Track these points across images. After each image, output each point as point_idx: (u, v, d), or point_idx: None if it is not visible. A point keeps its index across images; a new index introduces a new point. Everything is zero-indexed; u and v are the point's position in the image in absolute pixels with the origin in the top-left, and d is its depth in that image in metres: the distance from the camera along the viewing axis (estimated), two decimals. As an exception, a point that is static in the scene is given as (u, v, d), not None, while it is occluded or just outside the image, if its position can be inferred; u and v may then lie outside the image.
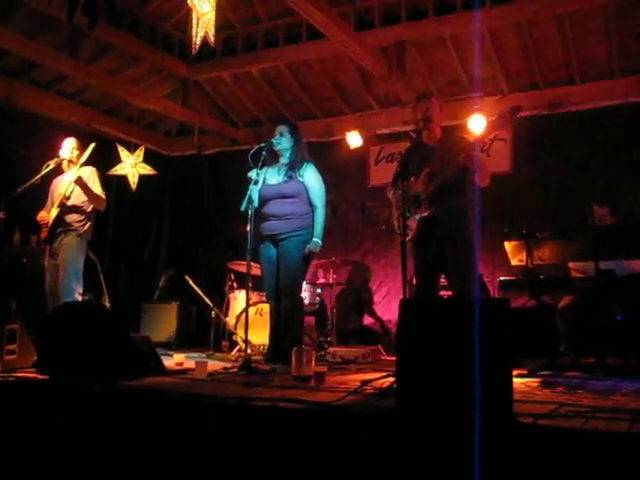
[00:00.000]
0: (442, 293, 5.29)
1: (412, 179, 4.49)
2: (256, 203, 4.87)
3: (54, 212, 5.55)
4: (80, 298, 5.47)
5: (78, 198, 5.62)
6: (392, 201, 4.65)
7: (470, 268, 4.47)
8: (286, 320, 4.94)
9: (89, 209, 5.68)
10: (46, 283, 5.60)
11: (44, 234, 5.60)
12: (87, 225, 5.67)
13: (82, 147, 5.71)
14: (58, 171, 5.76)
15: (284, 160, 5.16)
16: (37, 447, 3.18)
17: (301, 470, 2.55)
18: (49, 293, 5.54)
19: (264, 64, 7.70)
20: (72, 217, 5.61)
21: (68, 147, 5.71)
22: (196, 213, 9.08)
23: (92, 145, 5.59)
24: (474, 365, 2.32)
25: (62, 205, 5.56)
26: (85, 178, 5.56)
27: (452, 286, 4.54)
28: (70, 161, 5.65)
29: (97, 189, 5.64)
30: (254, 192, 4.88)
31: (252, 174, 4.94)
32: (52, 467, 3.12)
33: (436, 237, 4.45)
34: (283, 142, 5.11)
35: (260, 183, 5.01)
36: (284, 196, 5.02)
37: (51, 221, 5.55)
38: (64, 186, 5.60)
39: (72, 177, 5.52)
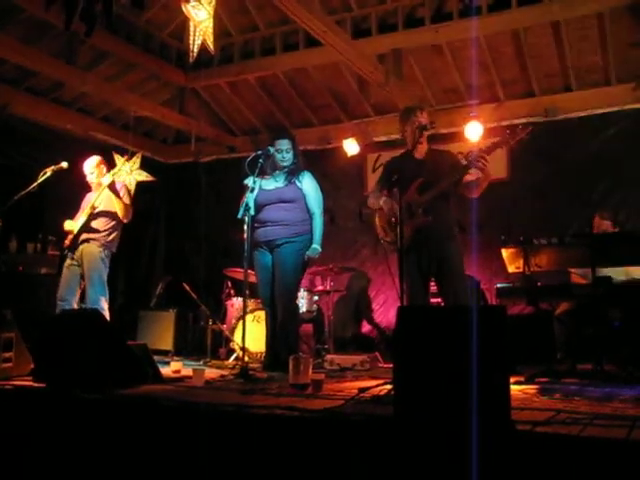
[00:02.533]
0: (433, 300, 5.29)
1: (395, 190, 4.50)
2: (252, 211, 4.86)
3: (81, 220, 5.63)
4: (106, 306, 5.50)
5: (106, 207, 5.68)
6: (375, 211, 4.68)
7: (462, 274, 4.55)
8: (282, 327, 4.93)
9: (116, 217, 5.71)
10: (59, 288, 5.61)
11: (68, 242, 5.62)
12: (112, 235, 5.71)
13: (104, 162, 5.82)
14: (87, 189, 5.87)
15: (282, 171, 5.17)
16: (33, 455, 3.17)
17: (298, 478, 2.54)
18: (60, 299, 5.54)
19: (261, 72, 7.72)
20: (98, 223, 5.66)
21: (91, 167, 5.76)
22: (193, 220, 9.08)
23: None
24: (471, 372, 2.31)
25: (90, 214, 5.63)
26: (117, 187, 5.65)
27: (443, 293, 4.56)
28: (99, 183, 5.72)
29: (126, 200, 5.70)
30: (250, 199, 4.88)
31: (248, 182, 4.95)
32: (48, 475, 3.10)
33: (428, 245, 4.48)
34: (288, 158, 5.13)
35: (256, 190, 5.01)
36: (282, 201, 5.03)
37: (77, 229, 5.60)
38: (94, 197, 5.68)
39: (105, 183, 5.58)
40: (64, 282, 5.61)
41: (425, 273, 4.55)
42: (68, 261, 5.64)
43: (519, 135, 4.40)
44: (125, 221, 5.77)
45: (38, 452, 3.16)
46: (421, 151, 4.69)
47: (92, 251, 5.59)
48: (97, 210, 5.66)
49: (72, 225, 5.68)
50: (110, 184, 5.57)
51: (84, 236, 5.61)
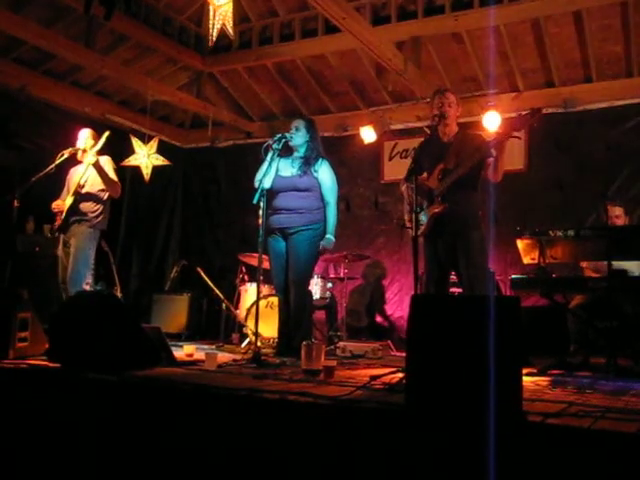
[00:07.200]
0: (452, 290, 5.28)
1: (425, 174, 4.49)
2: (266, 184, 4.85)
3: (69, 200, 5.60)
4: (88, 288, 5.51)
5: (93, 186, 5.67)
6: (404, 195, 4.65)
7: (481, 265, 4.45)
8: (295, 314, 4.95)
9: (104, 197, 5.72)
10: (60, 272, 5.65)
11: (58, 222, 5.64)
12: (101, 216, 5.71)
13: (97, 137, 5.75)
14: (74, 161, 5.79)
15: (299, 154, 5.17)
16: (46, 434, 3.20)
17: (309, 463, 2.56)
18: (63, 281, 5.58)
19: (279, 58, 7.71)
20: (86, 206, 5.65)
21: (83, 137, 5.75)
22: (209, 205, 9.11)
23: (107, 133, 5.64)
24: (484, 362, 2.31)
25: (77, 193, 5.60)
26: (101, 164, 5.60)
27: (462, 283, 4.52)
28: (84, 150, 5.68)
29: (112, 175, 5.68)
30: (265, 167, 4.89)
31: (267, 156, 4.94)
32: (61, 455, 3.14)
33: (448, 233, 4.44)
34: (298, 137, 5.12)
35: (273, 172, 5.00)
36: (297, 189, 5.03)
37: (65, 209, 5.58)
38: (79, 174, 5.65)
39: (89, 161, 5.56)
40: (64, 266, 5.63)
41: (443, 262, 4.52)
42: (61, 244, 5.67)
43: (529, 120, 4.32)
44: (114, 197, 5.78)
45: (51, 431, 3.20)
46: (448, 134, 4.63)
47: (82, 231, 5.61)
48: (84, 190, 5.65)
49: (60, 205, 5.68)
50: (95, 164, 5.54)
51: (74, 218, 5.63)
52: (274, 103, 8.60)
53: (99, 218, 5.70)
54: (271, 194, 4.97)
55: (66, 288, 5.50)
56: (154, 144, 7.52)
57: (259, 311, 4.71)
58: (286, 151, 5.16)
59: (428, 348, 2.54)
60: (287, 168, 5.15)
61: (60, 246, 5.67)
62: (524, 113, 4.34)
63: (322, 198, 5.13)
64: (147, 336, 3.99)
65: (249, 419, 2.75)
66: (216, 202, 9.07)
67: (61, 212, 5.63)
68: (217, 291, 6.84)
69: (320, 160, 5.15)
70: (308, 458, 2.56)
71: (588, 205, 6.56)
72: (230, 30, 5.03)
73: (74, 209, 5.62)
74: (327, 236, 5.05)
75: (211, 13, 4.89)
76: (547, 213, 6.77)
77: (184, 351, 4.68)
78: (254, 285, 6.57)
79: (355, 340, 6.37)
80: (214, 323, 7.41)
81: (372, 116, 7.78)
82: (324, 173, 5.12)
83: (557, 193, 6.95)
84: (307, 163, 5.11)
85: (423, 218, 4.44)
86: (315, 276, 6.62)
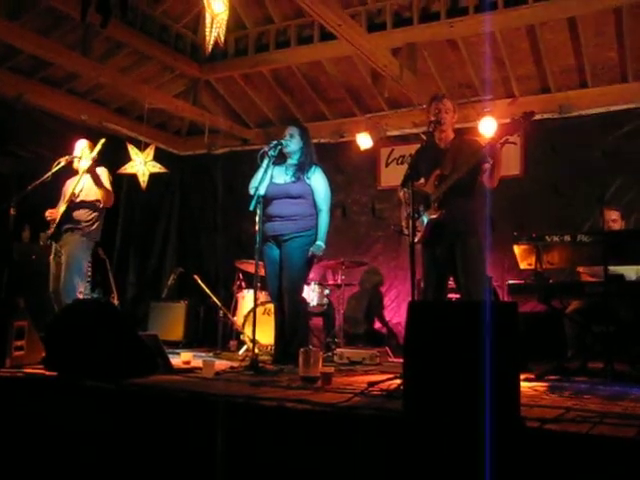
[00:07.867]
0: (450, 296, 5.28)
1: (422, 180, 4.50)
2: (262, 191, 4.85)
3: (62, 208, 5.58)
4: (81, 297, 5.48)
5: (88, 195, 5.65)
6: (402, 201, 4.66)
7: (479, 271, 4.45)
8: (290, 321, 4.95)
9: (99, 206, 5.69)
10: (50, 282, 5.61)
11: (51, 230, 5.62)
12: (94, 226, 5.68)
13: (94, 148, 5.74)
14: (71, 172, 5.78)
15: (292, 161, 5.19)
16: (46, 443, 3.19)
17: (306, 470, 2.55)
18: (53, 291, 5.55)
19: (275, 65, 7.71)
20: (80, 214, 5.62)
21: (80, 147, 5.75)
22: (205, 212, 9.10)
23: (102, 140, 5.62)
24: (482, 368, 2.31)
25: (71, 202, 5.58)
26: (96, 170, 5.59)
27: (460, 289, 4.53)
28: (81, 158, 5.67)
29: (107, 185, 5.66)
30: (261, 174, 4.90)
31: (263, 163, 4.96)
32: (60, 464, 3.13)
33: (445, 239, 4.45)
34: (292, 143, 5.13)
35: (267, 179, 5.01)
36: (290, 196, 5.04)
37: (58, 217, 5.56)
38: (74, 183, 5.63)
39: (83, 167, 5.54)
40: (53, 276, 5.60)
41: (441, 268, 4.52)
42: (53, 253, 5.64)
43: (522, 124, 4.34)
44: (107, 206, 5.76)
45: (49, 439, 3.19)
46: (445, 140, 4.65)
47: (75, 239, 5.58)
48: (78, 199, 5.64)
49: (54, 213, 5.66)
50: (90, 169, 5.54)
51: (67, 226, 5.60)
52: (270, 110, 8.61)
53: (93, 227, 5.66)
54: (265, 201, 4.97)
55: (58, 298, 5.46)
56: (151, 151, 7.52)
57: (256, 318, 4.70)
58: (279, 158, 5.17)
59: (426, 354, 2.54)
60: (281, 175, 5.17)
61: (52, 255, 5.65)
62: (517, 117, 4.36)
63: (315, 205, 5.14)
64: (144, 344, 3.97)
65: (247, 426, 2.74)
66: (213, 209, 9.06)
67: (54, 220, 5.61)
68: (214, 298, 6.83)
69: (313, 167, 5.16)
70: (306, 465, 2.56)
71: (584, 210, 6.58)
72: (222, 38, 5.03)
73: (67, 217, 5.59)
74: (317, 242, 5.06)
75: (208, 21, 4.89)
76: (543, 218, 6.78)
77: (181, 359, 4.66)
78: (251, 292, 6.56)
79: (353, 347, 6.36)
80: (211, 330, 7.39)
81: (368, 122, 7.79)
82: (317, 180, 5.13)
83: (553, 198, 6.96)
84: (300, 170, 5.12)
85: (424, 219, 4.45)
86: (312, 283, 6.63)
